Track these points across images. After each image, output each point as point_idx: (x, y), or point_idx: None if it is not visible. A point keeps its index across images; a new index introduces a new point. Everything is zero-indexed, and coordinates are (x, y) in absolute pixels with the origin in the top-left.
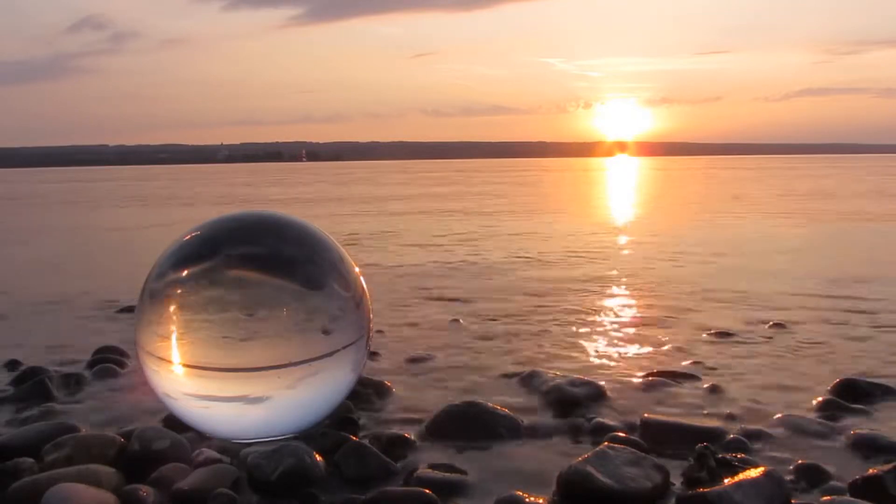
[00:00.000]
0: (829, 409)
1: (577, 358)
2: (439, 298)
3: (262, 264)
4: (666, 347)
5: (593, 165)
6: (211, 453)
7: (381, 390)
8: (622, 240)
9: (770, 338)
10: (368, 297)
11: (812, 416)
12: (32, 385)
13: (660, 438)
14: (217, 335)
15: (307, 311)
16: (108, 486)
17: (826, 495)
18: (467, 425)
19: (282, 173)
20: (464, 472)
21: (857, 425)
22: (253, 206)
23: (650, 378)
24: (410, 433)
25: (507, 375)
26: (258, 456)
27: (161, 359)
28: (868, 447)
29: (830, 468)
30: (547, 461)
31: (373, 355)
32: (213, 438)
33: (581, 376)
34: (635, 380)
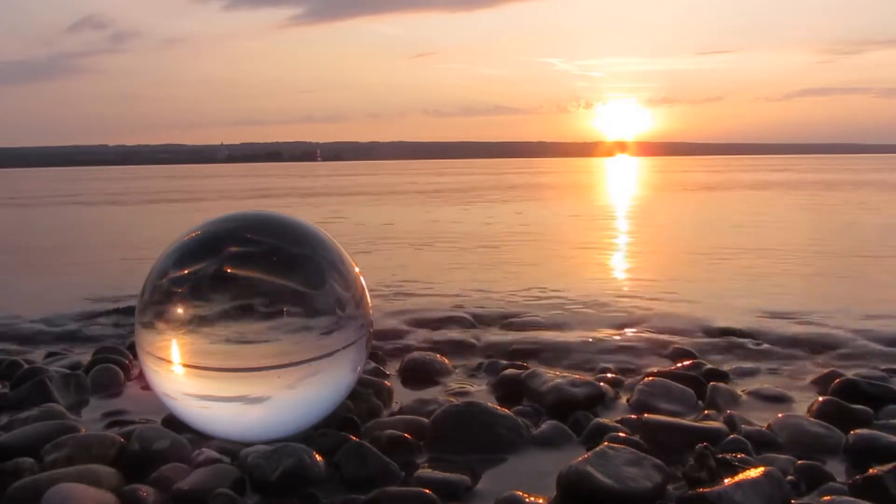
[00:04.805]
0: (830, 410)
1: (577, 358)
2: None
3: (262, 264)
4: (666, 347)
5: (611, 165)
6: (211, 453)
7: (380, 390)
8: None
9: (771, 337)
10: (368, 297)
11: (812, 416)
12: (32, 385)
13: (660, 438)
14: (217, 335)
15: (307, 311)
16: (108, 486)
17: (826, 495)
18: (467, 425)
19: (339, 171)
20: (464, 473)
21: (856, 425)
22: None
23: (650, 378)
24: (410, 434)
25: (507, 375)
26: (258, 456)
27: (161, 359)
28: (868, 447)
29: (830, 468)
30: (547, 461)
31: (373, 355)
32: (213, 438)
33: (581, 376)
34: (635, 380)
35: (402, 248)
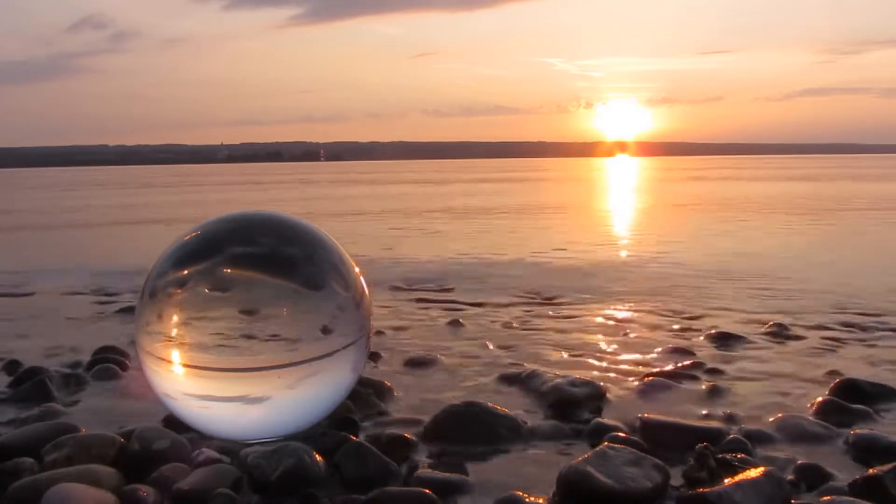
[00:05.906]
0: (830, 410)
1: (577, 358)
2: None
3: (262, 264)
4: (666, 347)
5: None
6: (211, 453)
7: (381, 390)
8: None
9: (770, 338)
10: (368, 297)
11: (812, 416)
12: (32, 385)
13: (660, 438)
14: (217, 335)
15: (307, 311)
16: (108, 486)
17: (826, 495)
18: (467, 425)
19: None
20: (464, 473)
21: (857, 425)
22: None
23: (650, 378)
24: (410, 433)
25: (506, 375)
26: (258, 456)
27: (161, 359)
28: (868, 447)
29: (830, 468)
30: (547, 461)
31: (373, 355)
32: (213, 438)
33: (581, 376)
34: (635, 380)
35: None
